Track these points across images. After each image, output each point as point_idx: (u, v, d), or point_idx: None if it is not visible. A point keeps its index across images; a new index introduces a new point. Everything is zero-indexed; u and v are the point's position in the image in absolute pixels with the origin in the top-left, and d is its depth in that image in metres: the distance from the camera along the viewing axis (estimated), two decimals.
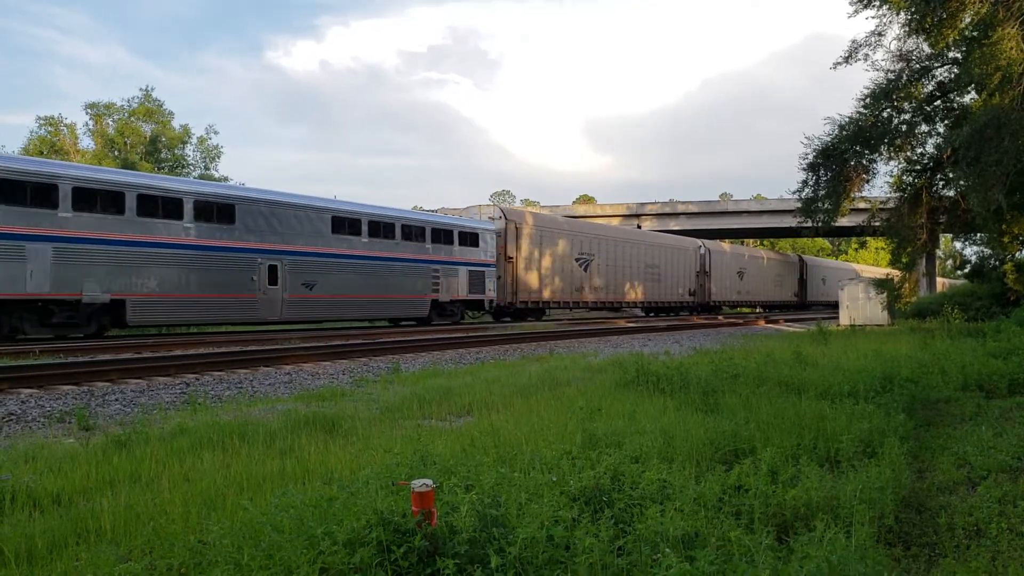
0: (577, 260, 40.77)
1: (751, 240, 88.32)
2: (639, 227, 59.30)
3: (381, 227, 28.98)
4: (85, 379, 12.44)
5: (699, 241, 54.22)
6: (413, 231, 30.55)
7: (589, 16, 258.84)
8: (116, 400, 10.93)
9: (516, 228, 36.77)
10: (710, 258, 53.68)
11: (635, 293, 46.29)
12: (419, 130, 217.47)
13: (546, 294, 38.46)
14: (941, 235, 45.22)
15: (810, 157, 28.57)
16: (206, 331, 26.18)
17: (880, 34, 26.26)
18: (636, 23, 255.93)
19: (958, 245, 58.88)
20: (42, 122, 55.50)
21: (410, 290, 30.19)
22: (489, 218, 36.28)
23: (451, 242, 32.40)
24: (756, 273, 60.03)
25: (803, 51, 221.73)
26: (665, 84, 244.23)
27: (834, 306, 69.41)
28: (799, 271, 67.80)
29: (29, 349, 16.88)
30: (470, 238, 33.55)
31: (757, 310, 62.10)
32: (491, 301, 34.75)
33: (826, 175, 28.66)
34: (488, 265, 34.46)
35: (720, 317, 46.05)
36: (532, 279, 37.66)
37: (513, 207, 36.75)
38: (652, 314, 50.17)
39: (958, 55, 25.21)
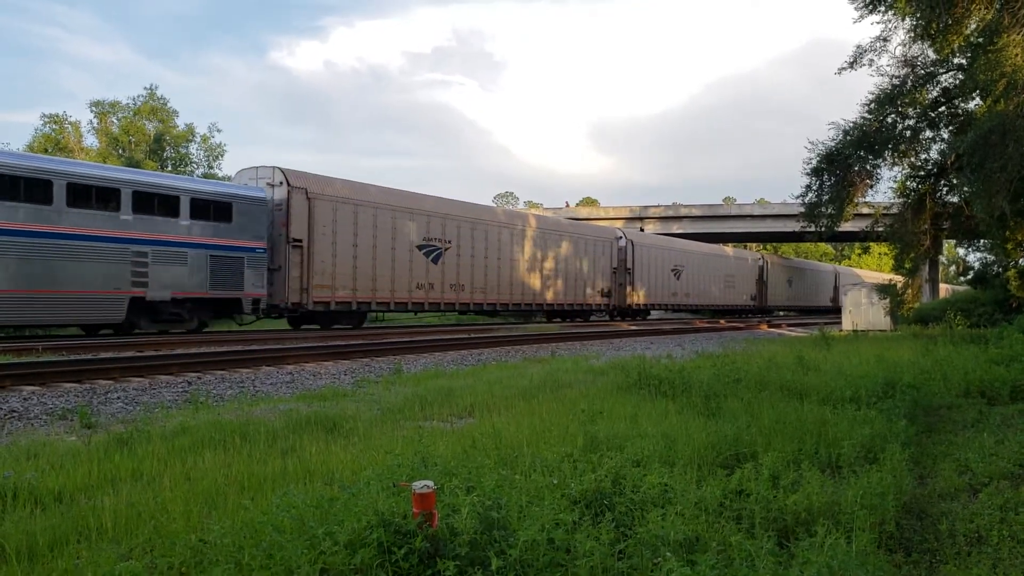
0: (422, 248, 30.85)
1: (754, 244, 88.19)
2: (642, 230, 59.19)
3: (24, 185, 19.07)
4: (87, 377, 12.46)
5: (619, 230, 46.63)
6: (95, 193, 20.47)
7: (593, 19, 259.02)
8: (118, 398, 10.94)
9: (308, 200, 26.12)
10: (633, 251, 44.43)
11: (519, 293, 36.34)
12: (423, 131, 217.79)
13: (363, 292, 28.30)
14: (944, 241, 45.17)
15: (814, 162, 28.53)
16: (211, 330, 26.20)
17: (885, 39, 26.23)
18: (640, 26, 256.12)
19: (961, 251, 58.80)
20: (47, 120, 55.64)
21: (87, 282, 20.12)
22: (268, 184, 25.89)
23: (174, 213, 22.34)
24: (698, 272, 51.35)
25: (807, 55, 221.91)
26: (669, 87, 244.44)
27: (805, 312, 69.73)
28: (759, 271, 58.66)
29: (32, 346, 16.90)
30: (214, 208, 23.43)
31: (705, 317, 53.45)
32: (257, 300, 24.75)
33: (830, 180, 28.62)
34: (250, 249, 24.34)
35: (625, 324, 39.52)
36: (341, 271, 27.28)
37: (305, 173, 26.96)
38: (560, 319, 41.97)
39: (963, 61, 25.17)
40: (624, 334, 28.83)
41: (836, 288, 69.60)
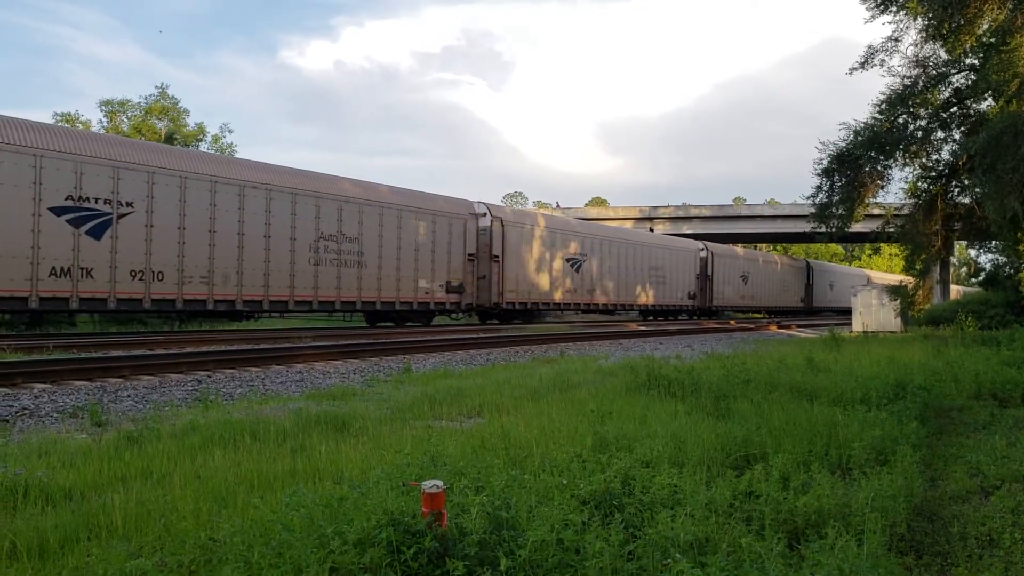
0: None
1: (765, 245, 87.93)
2: (651, 230, 59.03)
3: None
4: (98, 375, 12.51)
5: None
6: None
7: (602, 19, 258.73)
8: (128, 396, 10.98)
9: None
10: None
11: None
12: (432, 131, 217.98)
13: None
14: (956, 242, 44.96)
15: (825, 162, 28.41)
16: (217, 328, 26.27)
17: (897, 40, 26.13)
18: (649, 26, 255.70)
19: (973, 252, 58.53)
20: (59, 118, 55.89)
21: None
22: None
23: None
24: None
25: (817, 55, 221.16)
26: (678, 87, 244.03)
27: (839, 312, 68.27)
28: (699, 266, 52.87)
29: (43, 344, 16.99)
30: None
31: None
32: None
33: (840, 181, 28.50)
34: None
35: (634, 324, 39.75)
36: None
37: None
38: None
39: (975, 62, 25.06)
40: (633, 335, 28.80)
41: (809, 286, 67.20)
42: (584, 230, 41.79)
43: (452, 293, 31.75)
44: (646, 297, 45.70)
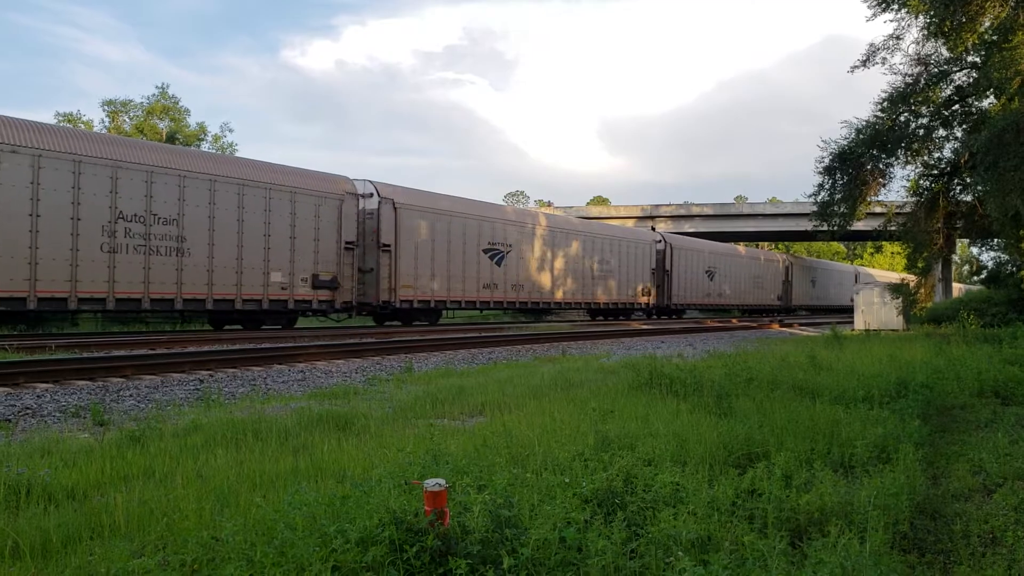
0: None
1: (766, 244, 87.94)
2: (653, 228, 58.99)
3: None
4: (100, 374, 12.53)
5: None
6: None
7: (605, 17, 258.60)
8: (130, 396, 10.99)
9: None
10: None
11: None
12: (434, 130, 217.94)
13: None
14: (958, 240, 44.91)
15: (826, 161, 28.41)
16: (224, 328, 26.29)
17: (898, 37, 26.11)
18: (651, 24, 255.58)
19: (975, 250, 58.40)
20: (61, 118, 55.95)
21: None
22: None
23: None
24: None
25: (819, 53, 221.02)
26: (680, 85, 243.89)
27: (828, 312, 67.20)
28: (656, 259, 47.16)
29: (45, 344, 17.00)
30: None
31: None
32: None
33: (842, 179, 28.49)
34: None
35: (637, 323, 38.39)
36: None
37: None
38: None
39: (977, 59, 25.03)
40: (635, 333, 28.80)
41: (788, 282, 62.04)
42: (507, 217, 35.85)
43: (321, 289, 25.88)
44: (592, 294, 40.54)
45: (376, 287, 28.06)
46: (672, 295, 46.81)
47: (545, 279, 37.09)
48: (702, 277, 50.16)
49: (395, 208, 28.81)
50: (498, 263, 34.00)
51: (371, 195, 28.41)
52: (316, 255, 25.90)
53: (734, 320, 45.14)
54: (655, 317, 46.35)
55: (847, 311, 66.60)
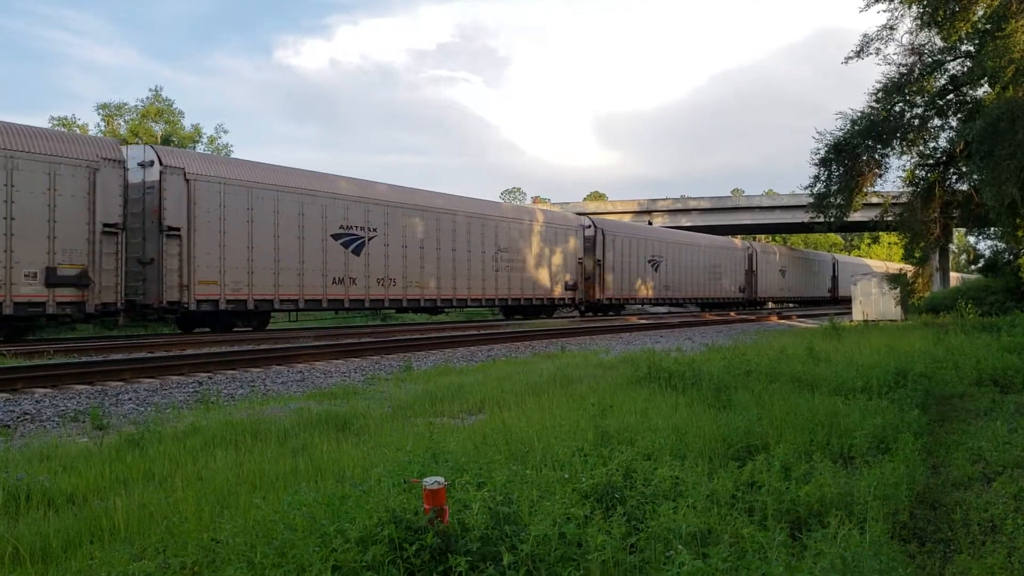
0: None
1: (764, 236, 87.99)
2: (650, 223, 58.98)
3: None
4: (99, 378, 12.52)
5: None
6: None
7: (597, 12, 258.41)
8: (129, 399, 10.99)
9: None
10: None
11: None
12: (429, 128, 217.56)
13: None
14: (955, 229, 44.96)
15: (822, 152, 28.47)
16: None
17: (892, 28, 26.16)
18: (644, 18, 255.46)
19: (972, 239, 58.48)
20: (55, 123, 55.86)
21: None
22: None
23: None
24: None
25: (813, 45, 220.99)
26: (674, 79, 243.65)
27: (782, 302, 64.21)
28: (583, 247, 39.82)
29: (43, 348, 16.98)
30: None
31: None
32: None
33: (838, 170, 28.54)
34: None
35: (634, 318, 35.77)
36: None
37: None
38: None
39: (971, 48, 25.07)
40: (633, 328, 28.81)
41: (752, 272, 54.91)
42: (369, 195, 28.50)
43: (62, 287, 19.67)
44: (495, 288, 33.27)
45: (159, 284, 21.65)
46: (606, 288, 40.35)
47: (429, 271, 30.46)
48: (644, 267, 43.66)
49: (187, 180, 22.32)
50: (356, 252, 27.35)
51: (151, 163, 21.91)
52: (51, 243, 19.49)
53: (732, 313, 44.72)
54: (586, 314, 41.04)
55: (823, 303, 65.16)
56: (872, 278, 35.53)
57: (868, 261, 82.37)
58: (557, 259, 37.43)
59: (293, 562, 3.64)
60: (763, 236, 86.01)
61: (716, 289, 51.15)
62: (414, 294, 29.76)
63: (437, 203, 31.51)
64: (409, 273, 29.43)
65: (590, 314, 40.70)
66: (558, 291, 37.29)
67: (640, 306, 48.13)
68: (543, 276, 36.41)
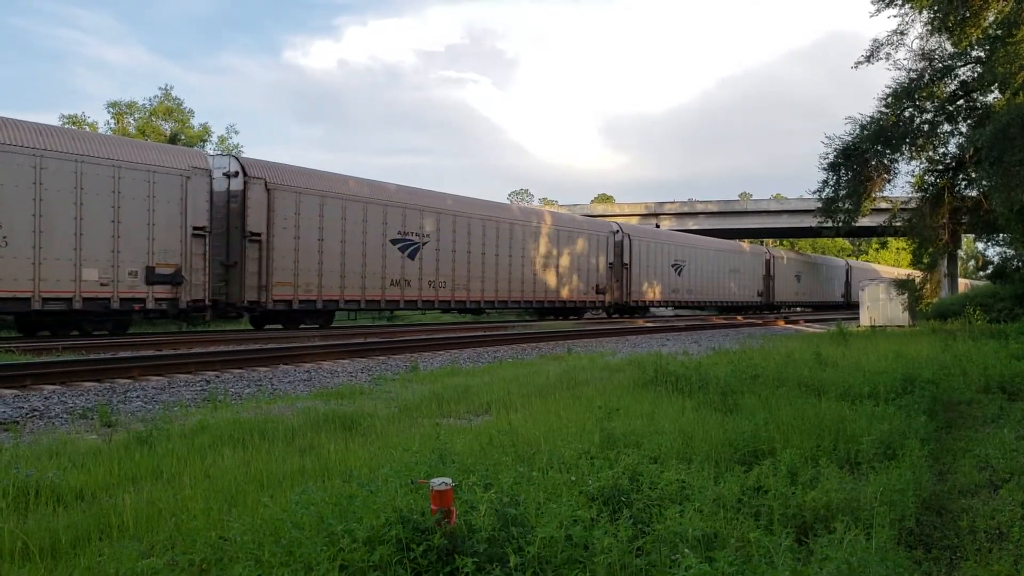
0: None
1: (771, 240, 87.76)
2: (657, 226, 58.82)
3: None
4: (107, 376, 12.56)
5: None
6: None
7: (606, 14, 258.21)
8: (138, 397, 11.02)
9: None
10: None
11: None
12: (437, 129, 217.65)
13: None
14: (963, 235, 44.81)
15: (831, 157, 28.41)
16: (225, 328, 26.32)
17: (902, 33, 26.09)
18: (652, 21, 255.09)
19: (980, 246, 58.15)
20: (66, 120, 56.08)
21: None
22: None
23: None
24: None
25: (822, 49, 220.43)
26: (682, 82, 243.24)
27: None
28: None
29: (52, 346, 17.05)
30: None
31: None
32: None
33: (847, 175, 28.48)
34: None
35: (641, 321, 35.62)
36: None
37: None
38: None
39: (981, 54, 24.97)
40: (640, 331, 28.79)
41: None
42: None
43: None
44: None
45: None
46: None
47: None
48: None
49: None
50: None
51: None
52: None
53: (739, 318, 44.62)
54: (615, 316, 41.63)
55: (836, 308, 65.20)
56: (880, 283, 35.43)
57: (878, 267, 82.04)
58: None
59: (300, 561, 3.65)
60: (770, 240, 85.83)
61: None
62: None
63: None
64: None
65: (617, 316, 41.59)
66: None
67: (664, 308, 48.83)
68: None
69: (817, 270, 66.72)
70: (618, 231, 41.58)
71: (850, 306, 65.38)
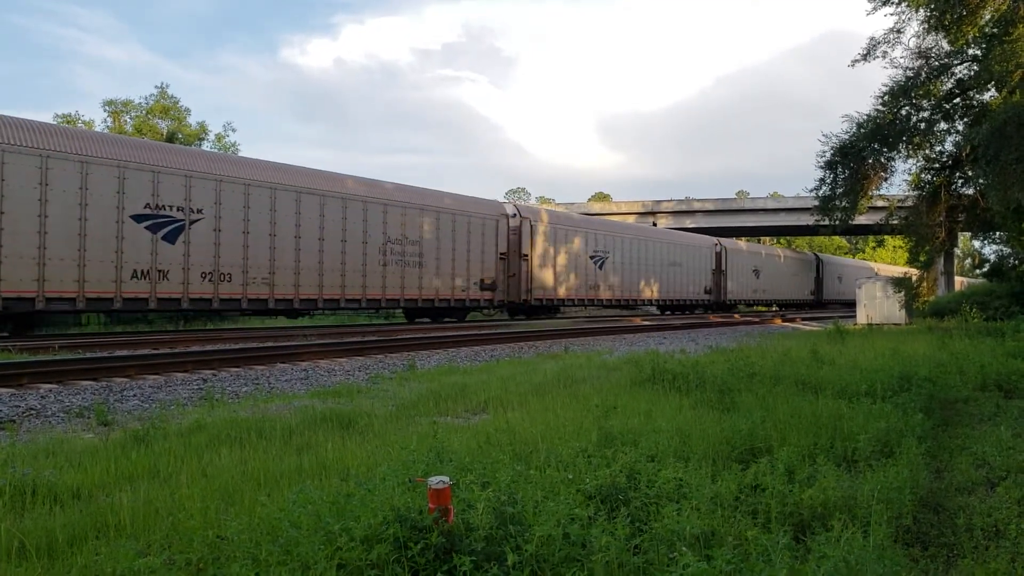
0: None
1: (768, 238, 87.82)
2: (655, 224, 58.85)
3: None
4: (103, 374, 12.54)
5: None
6: None
7: (603, 13, 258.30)
8: (134, 396, 11.01)
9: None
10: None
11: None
12: (435, 128, 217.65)
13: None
14: (960, 234, 44.85)
15: (827, 155, 28.43)
16: (222, 327, 26.26)
17: (899, 31, 26.10)
18: (651, 19, 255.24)
19: (977, 244, 58.17)
20: (60, 119, 55.94)
21: None
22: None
23: None
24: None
25: (819, 48, 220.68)
26: (679, 81, 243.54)
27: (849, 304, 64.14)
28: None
29: (48, 344, 17.02)
30: None
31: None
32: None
33: (844, 173, 28.50)
34: None
35: (639, 319, 35.06)
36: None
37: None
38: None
39: (978, 52, 25.01)
40: (637, 329, 28.79)
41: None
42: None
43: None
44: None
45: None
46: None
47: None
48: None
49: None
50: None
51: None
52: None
53: (736, 316, 44.53)
54: (519, 317, 37.55)
55: (804, 306, 62.30)
56: (877, 281, 35.45)
57: (857, 261, 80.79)
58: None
59: (298, 560, 3.65)
60: (767, 239, 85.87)
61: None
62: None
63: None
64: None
65: (521, 317, 37.53)
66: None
67: (581, 307, 43.71)
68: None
69: (782, 264, 60.21)
70: (515, 215, 35.49)
71: (822, 304, 64.37)
